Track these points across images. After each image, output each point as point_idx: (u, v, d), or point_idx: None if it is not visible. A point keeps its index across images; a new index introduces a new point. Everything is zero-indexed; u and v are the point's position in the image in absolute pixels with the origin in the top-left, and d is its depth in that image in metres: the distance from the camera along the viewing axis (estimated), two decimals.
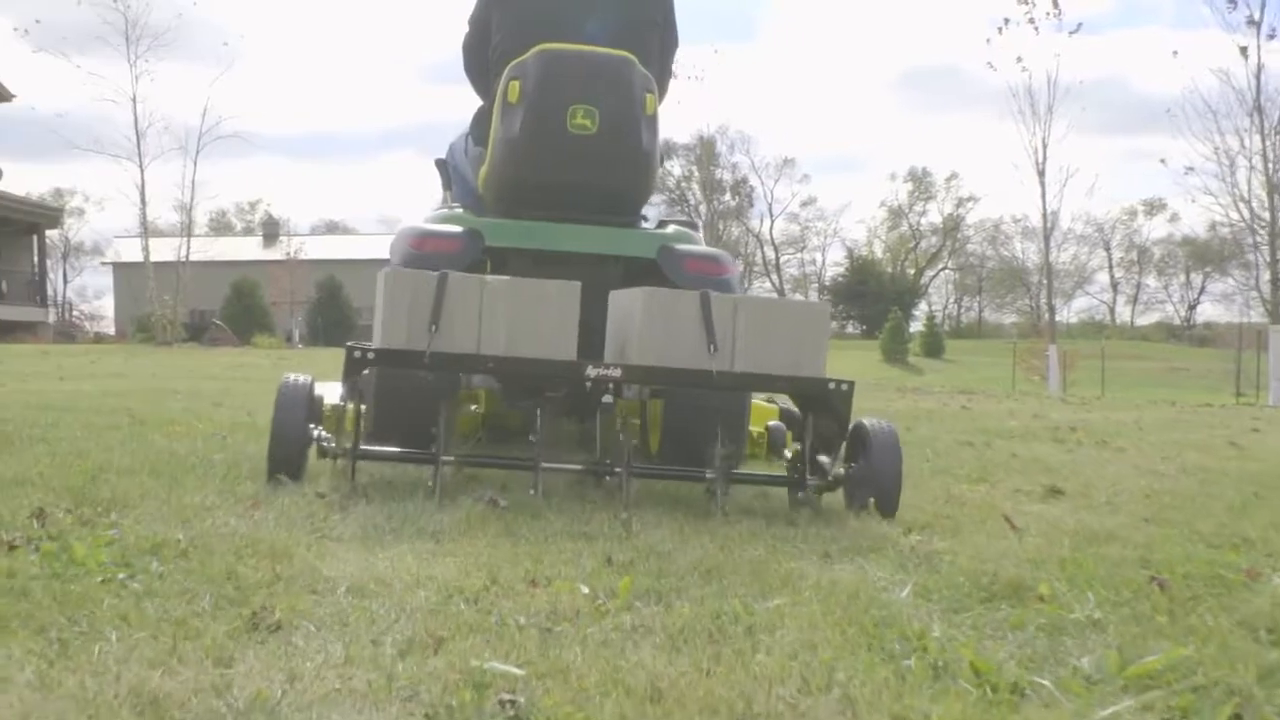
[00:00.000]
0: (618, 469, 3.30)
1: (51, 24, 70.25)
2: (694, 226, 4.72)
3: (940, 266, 73.78)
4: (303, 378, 3.44)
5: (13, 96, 31.73)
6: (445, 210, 4.40)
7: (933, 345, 50.21)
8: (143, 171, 29.19)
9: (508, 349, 3.25)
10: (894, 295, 61.63)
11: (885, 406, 10.02)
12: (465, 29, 4.49)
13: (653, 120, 4.12)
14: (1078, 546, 2.99)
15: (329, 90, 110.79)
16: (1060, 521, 3.48)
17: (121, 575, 2.12)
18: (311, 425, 3.41)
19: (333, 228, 72.95)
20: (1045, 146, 29.33)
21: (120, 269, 50.89)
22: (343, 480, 3.30)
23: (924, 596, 2.35)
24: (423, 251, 3.84)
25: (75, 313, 49.56)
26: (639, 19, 4.37)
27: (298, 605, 1.99)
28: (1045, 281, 65.97)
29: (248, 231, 70.16)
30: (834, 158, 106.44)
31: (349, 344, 3.22)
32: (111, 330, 44.17)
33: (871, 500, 3.38)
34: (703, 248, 4.27)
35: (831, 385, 3.33)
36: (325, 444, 3.36)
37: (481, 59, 4.39)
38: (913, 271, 72.52)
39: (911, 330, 52.75)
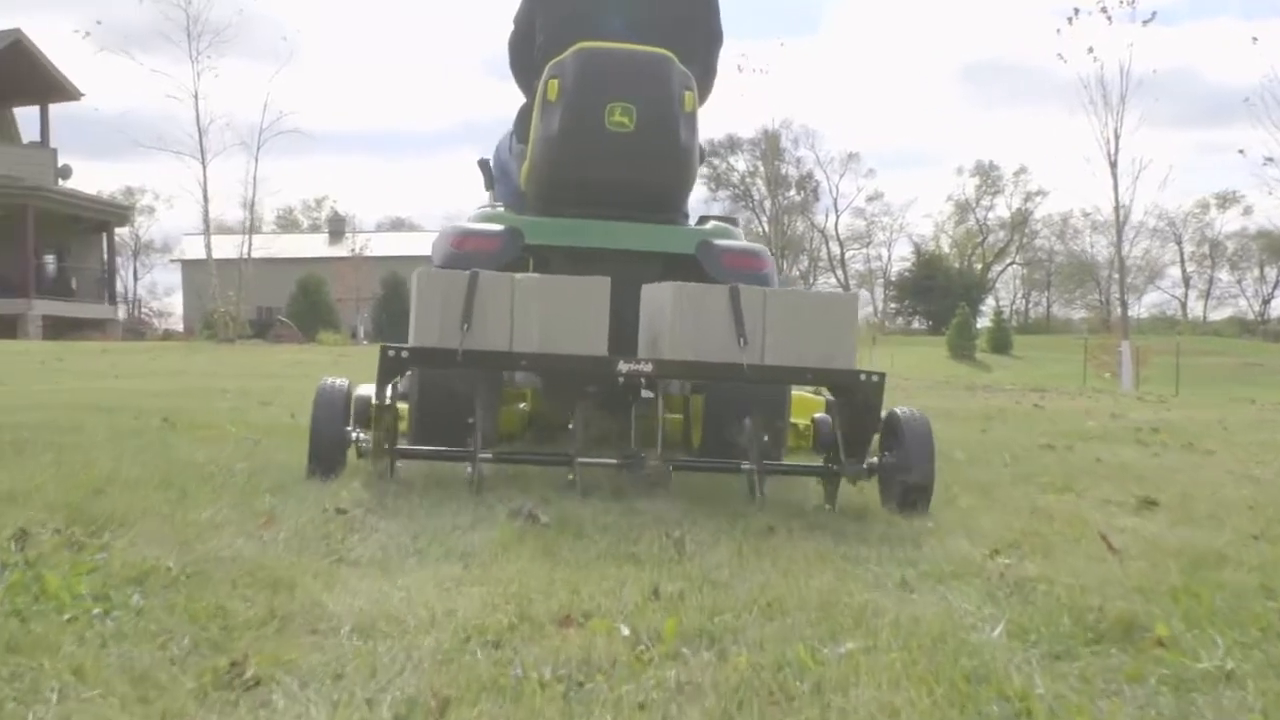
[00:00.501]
0: (653, 461, 3.33)
1: (114, 24, 71.20)
2: (734, 222, 4.69)
3: (1008, 261, 72.77)
4: (340, 381, 3.53)
5: (81, 95, 32.12)
6: (488, 209, 4.42)
7: (1000, 341, 49.40)
8: (205, 168, 29.34)
9: (540, 345, 3.26)
10: (961, 290, 60.87)
11: (956, 405, 9.64)
12: (510, 27, 4.54)
13: (691, 117, 4.12)
14: (1187, 572, 2.63)
15: (394, 87, 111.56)
16: (1161, 540, 3.11)
17: (96, 611, 1.85)
18: (349, 427, 3.46)
19: (398, 225, 73.25)
20: (1117, 138, 28.55)
21: (188, 266, 51.24)
22: (372, 489, 3.11)
23: (1020, 637, 2.02)
24: (463, 250, 3.90)
25: (144, 310, 50.19)
26: (680, 16, 4.38)
27: (288, 652, 1.71)
28: (1117, 276, 64.89)
29: (314, 229, 70.72)
30: (899, 152, 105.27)
31: (383, 345, 3.24)
32: (180, 327, 44.64)
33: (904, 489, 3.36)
34: (741, 243, 4.26)
35: (862, 376, 3.32)
36: (363, 445, 3.40)
37: (526, 57, 4.43)
38: (980, 266, 71.53)
39: (978, 326, 51.91)
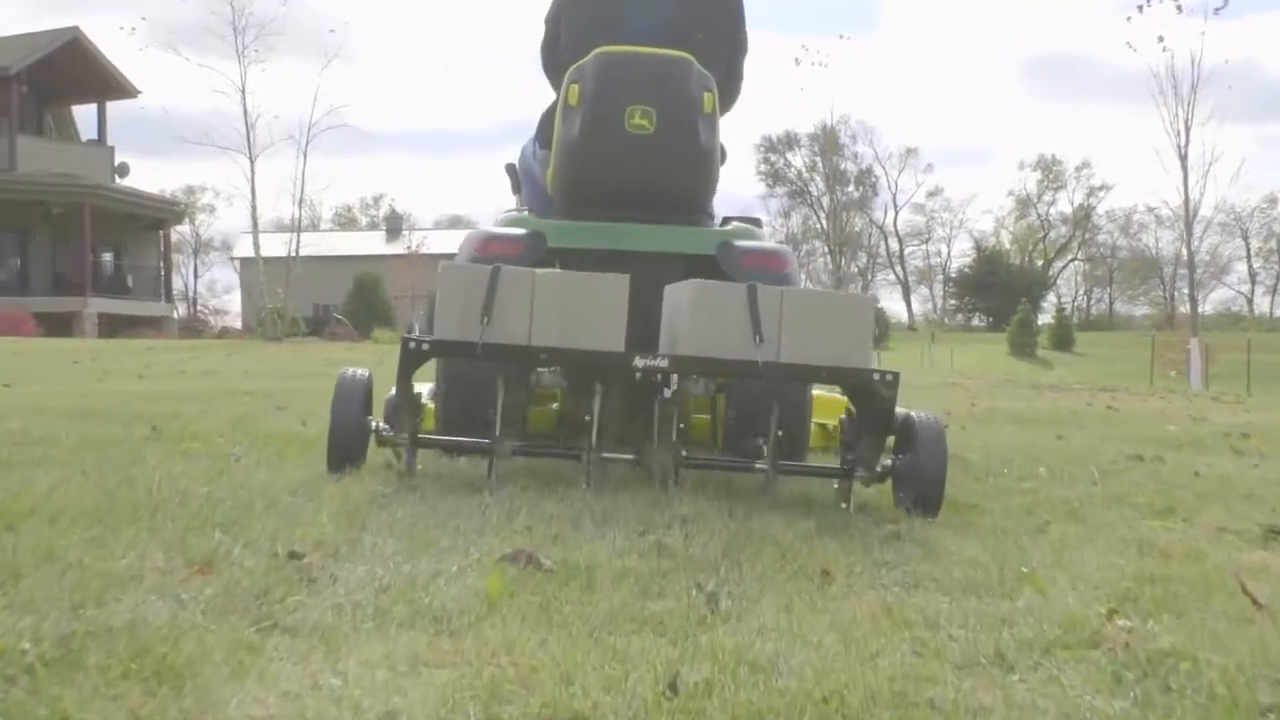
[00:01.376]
0: (664, 456, 3.35)
1: (160, 21, 71.36)
2: (756, 223, 4.73)
3: (1070, 258, 71.47)
4: (361, 371, 3.54)
5: (138, 93, 32.10)
6: (514, 214, 4.49)
7: (1062, 338, 48.44)
8: (253, 165, 29.06)
9: (559, 340, 3.32)
10: (1022, 287, 59.88)
11: (1024, 407, 9.02)
12: (542, 29, 4.62)
13: (711, 119, 4.17)
14: None
15: (455, 85, 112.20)
16: None
17: None
18: (369, 418, 3.47)
19: (456, 222, 73.13)
20: (1187, 130, 27.42)
21: (246, 264, 51.39)
22: (350, 519, 2.68)
23: None
24: (486, 254, 3.93)
25: (200, 308, 50.39)
26: (702, 19, 4.45)
27: None
28: (1185, 271, 63.57)
29: (373, 226, 70.92)
30: (958, 148, 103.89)
31: (404, 336, 3.35)
32: (239, 324, 44.69)
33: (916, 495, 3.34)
34: (761, 243, 4.31)
35: (876, 376, 3.37)
36: (384, 434, 3.42)
37: (555, 59, 4.50)
38: (1041, 263, 70.27)
39: (1040, 323, 50.85)
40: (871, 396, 3.38)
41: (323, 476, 3.30)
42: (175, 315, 34.49)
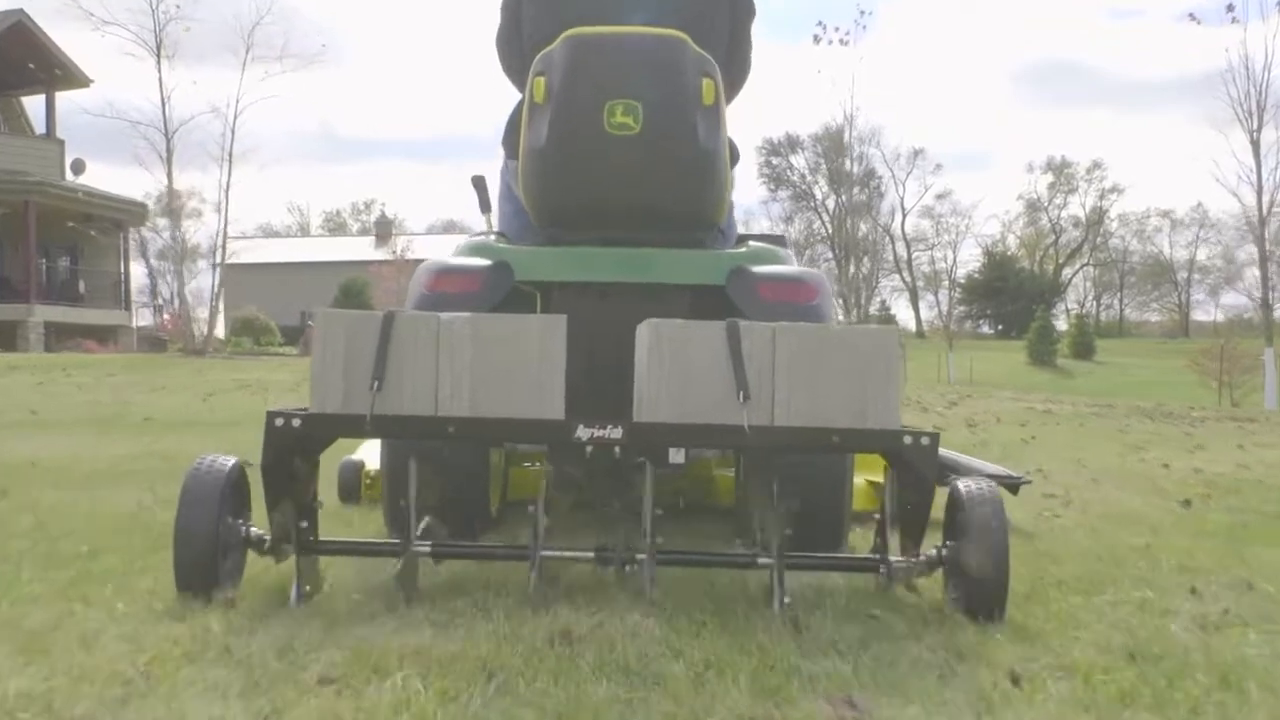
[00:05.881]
0: (639, 555, 2.69)
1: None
2: (781, 242, 4.18)
3: (1082, 263, 69.82)
4: (222, 461, 2.73)
5: (90, 81, 29.75)
6: (478, 239, 3.81)
7: (1082, 346, 46.54)
8: (170, 169, 26.96)
9: (473, 407, 2.65)
10: (1033, 293, 58.30)
11: (1115, 458, 6.94)
12: (497, 19, 3.96)
13: (712, 111, 3.47)
14: None
15: (445, 94, 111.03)
16: None
17: None
18: (239, 520, 2.75)
19: (450, 227, 71.71)
20: (1260, 113, 25.27)
21: (229, 271, 50.12)
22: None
23: None
24: (436, 292, 3.36)
25: (165, 317, 48.16)
26: None
27: None
28: (1199, 277, 61.67)
29: (363, 232, 69.51)
30: (957, 153, 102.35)
31: (270, 411, 2.63)
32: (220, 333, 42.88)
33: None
34: (784, 268, 3.60)
35: (908, 440, 2.64)
36: (259, 539, 2.74)
37: (516, 52, 3.84)
38: (1050, 268, 68.56)
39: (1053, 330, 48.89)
40: (902, 464, 2.70)
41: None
42: (134, 324, 32.06)
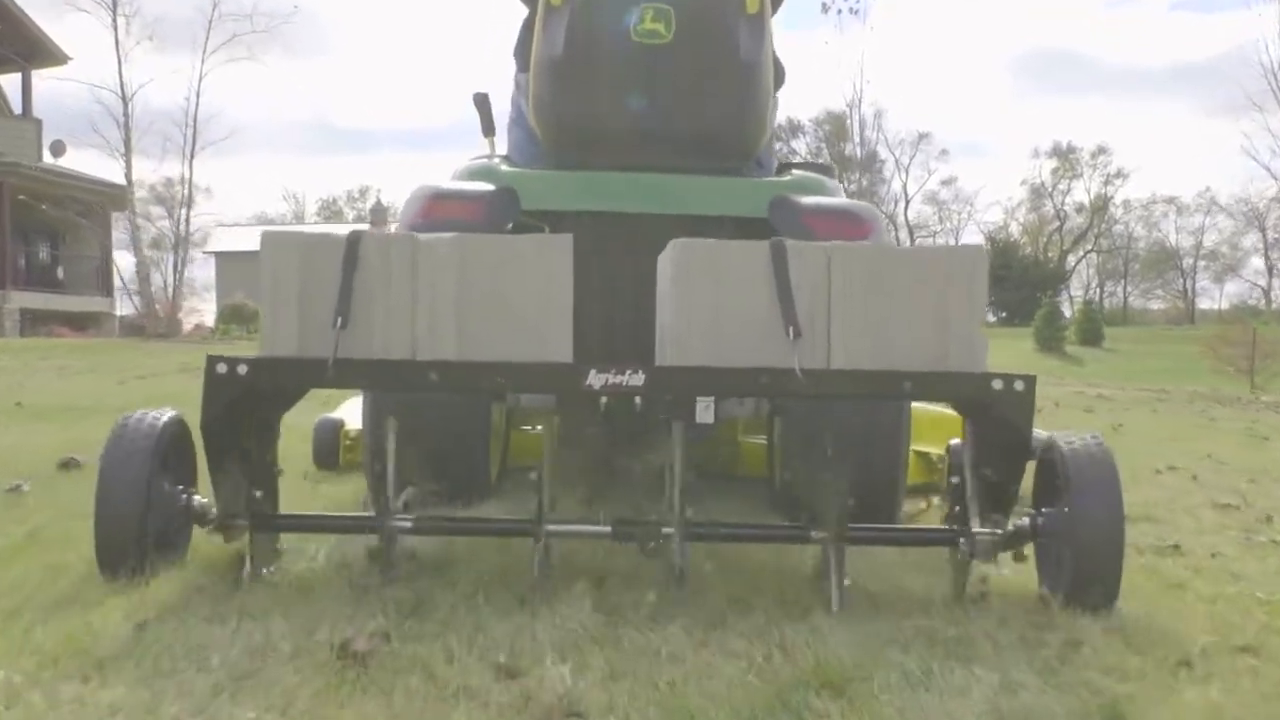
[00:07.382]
0: (665, 529, 2.33)
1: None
2: (828, 172, 3.83)
3: (1087, 249, 69.30)
4: (154, 415, 2.40)
5: (68, 59, 28.85)
6: (479, 162, 3.44)
7: (1091, 333, 45.69)
8: (128, 157, 27.02)
9: (459, 349, 2.24)
10: (1037, 280, 57.71)
11: (1231, 450, 6.00)
12: None
13: (757, 20, 3.12)
14: None
15: (442, 83, 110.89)
16: None
17: None
18: (180, 487, 2.46)
19: None
20: None
21: (223, 259, 49.25)
22: None
23: None
24: (432, 219, 2.97)
25: (155, 304, 47.71)
26: None
27: None
28: (1205, 264, 60.72)
29: (359, 220, 68.99)
30: (958, 142, 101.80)
31: (209, 356, 2.31)
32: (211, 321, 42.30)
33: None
34: (832, 199, 3.21)
35: (998, 384, 2.24)
36: (205, 512, 2.44)
37: None
38: (1054, 255, 67.94)
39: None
40: (990, 417, 2.25)
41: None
42: (116, 312, 31.03)
